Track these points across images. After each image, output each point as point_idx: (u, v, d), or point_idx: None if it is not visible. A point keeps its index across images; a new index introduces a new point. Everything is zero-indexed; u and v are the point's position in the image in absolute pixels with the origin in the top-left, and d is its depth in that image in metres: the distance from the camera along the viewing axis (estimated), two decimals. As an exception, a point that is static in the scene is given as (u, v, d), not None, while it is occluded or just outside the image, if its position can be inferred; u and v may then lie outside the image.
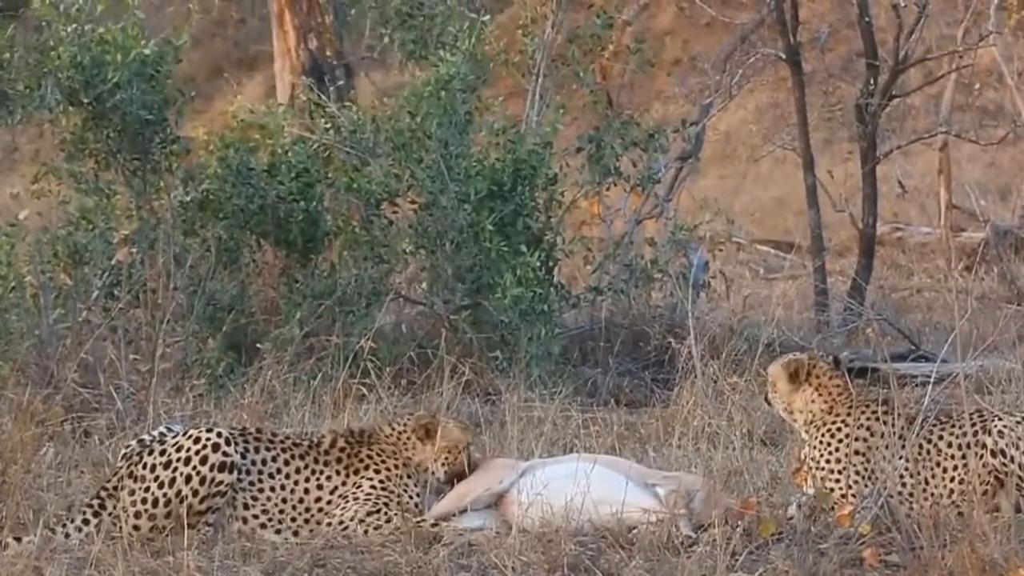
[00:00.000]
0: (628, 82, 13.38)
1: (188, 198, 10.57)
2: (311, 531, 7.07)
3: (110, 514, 6.97)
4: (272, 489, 7.10)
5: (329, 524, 7.07)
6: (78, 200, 10.55)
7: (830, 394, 7.32)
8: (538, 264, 10.26)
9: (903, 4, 11.88)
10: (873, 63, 11.72)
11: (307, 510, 7.12)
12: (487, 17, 11.24)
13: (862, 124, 11.62)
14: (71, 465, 8.07)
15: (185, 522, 6.86)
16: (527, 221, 10.57)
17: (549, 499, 6.93)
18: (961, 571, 6.17)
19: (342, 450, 7.24)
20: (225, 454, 6.98)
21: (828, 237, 13.58)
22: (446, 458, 7.29)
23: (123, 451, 7.18)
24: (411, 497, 7.19)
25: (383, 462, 7.23)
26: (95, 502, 7.02)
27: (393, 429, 7.34)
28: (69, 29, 10.41)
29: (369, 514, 7.07)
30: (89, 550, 6.65)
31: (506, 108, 11.37)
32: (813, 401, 7.33)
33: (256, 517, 7.06)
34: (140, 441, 7.16)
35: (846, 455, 7.11)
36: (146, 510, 6.95)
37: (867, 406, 7.23)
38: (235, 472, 7.00)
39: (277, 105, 12.14)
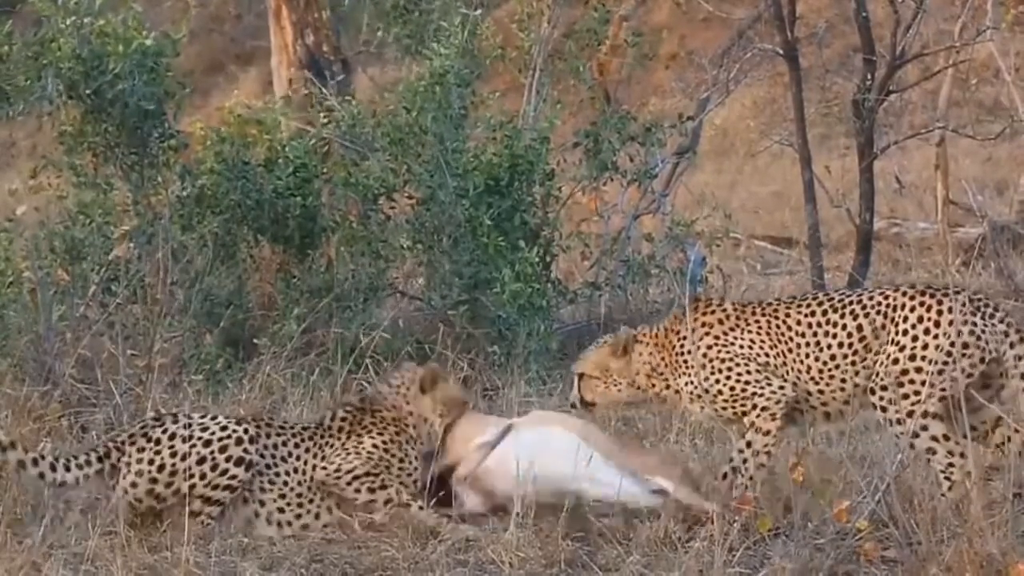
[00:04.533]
0: (625, 77, 13.38)
1: (185, 193, 10.57)
2: (327, 509, 7.11)
3: (113, 465, 6.96)
4: (287, 472, 7.12)
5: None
6: (75, 195, 10.54)
7: (656, 336, 7.41)
8: (536, 260, 10.26)
9: (900, 0, 11.87)
10: (870, 58, 11.70)
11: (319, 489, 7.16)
12: (478, 12, 11.23)
13: (859, 119, 11.60)
14: (69, 461, 8.07)
15: (187, 504, 6.85)
16: (524, 217, 10.56)
17: (545, 475, 6.96)
18: (959, 566, 6.18)
19: (343, 419, 7.30)
20: (245, 451, 6.99)
21: (825, 233, 13.57)
22: (445, 412, 7.37)
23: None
24: (411, 462, 7.24)
25: (385, 428, 7.28)
26: (100, 449, 7.00)
27: (391, 385, 7.42)
28: (68, 22, 10.41)
29: (367, 474, 7.11)
30: (87, 545, 6.65)
31: (503, 103, 11.36)
32: (648, 354, 7.40)
33: (275, 501, 7.08)
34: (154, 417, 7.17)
35: (729, 358, 7.17)
36: (148, 471, 6.93)
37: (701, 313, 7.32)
38: (250, 470, 7.01)
39: (275, 100, 12.14)
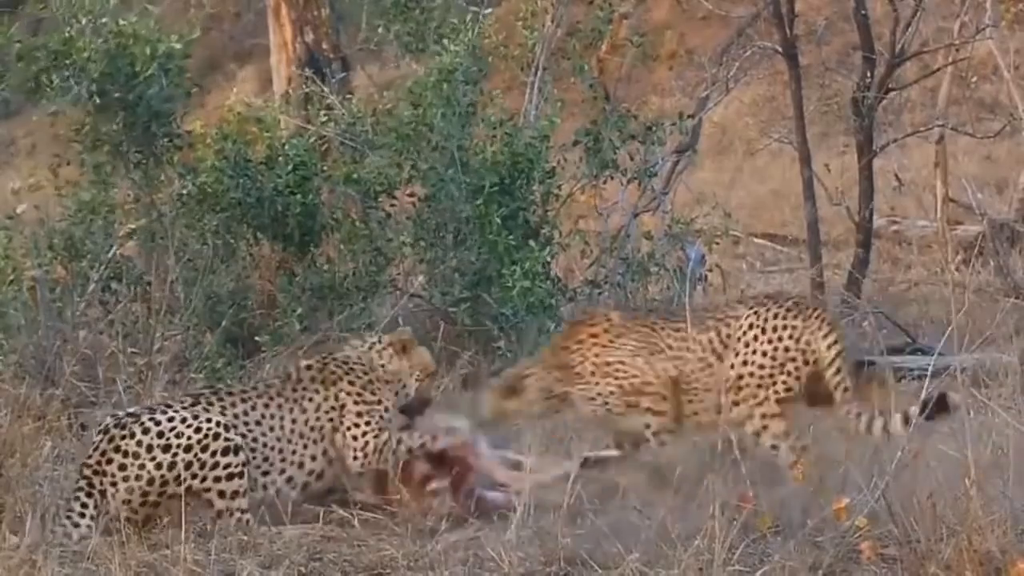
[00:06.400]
0: (625, 75, 13.36)
1: (186, 191, 10.57)
2: (312, 457, 7.23)
3: (101, 491, 6.97)
4: (263, 434, 7.20)
5: (356, 459, 7.29)
6: (75, 194, 10.54)
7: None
8: (547, 258, 10.29)
9: (899, -2, 11.88)
10: (869, 56, 11.72)
11: (301, 436, 7.26)
12: (489, 10, 11.24)
13: (858, 117, 11.63)
14: (68, 459, 8.07)
15: (184, 500, 6.90)
16: (525, 215, 10.57)
17: None
18: (958, 564, 6.18)
19: (309, 368, 7.44)
20: (227, 440, 7.02)
21: (825, 230, 13.57)
22: (419, 375, 7.60)
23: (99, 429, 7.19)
24: (387, 401, 7.46)
25: (351, 370, 7.44)
26: (83, 484, 7.01)
27: (365, 341, 7.63)
28: (83, 21, 10.42)
29: (376, 438, 7.31)
30: (86, 544, 6.65)
31: (504, 101, 11.36)
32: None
33: (259, 467, 7.15)
34: (114, 416, 7.17)
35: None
36: (138, 487, 6.96)
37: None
38: (239, 453, 7.05)
39: (274, 98, 12.13)
